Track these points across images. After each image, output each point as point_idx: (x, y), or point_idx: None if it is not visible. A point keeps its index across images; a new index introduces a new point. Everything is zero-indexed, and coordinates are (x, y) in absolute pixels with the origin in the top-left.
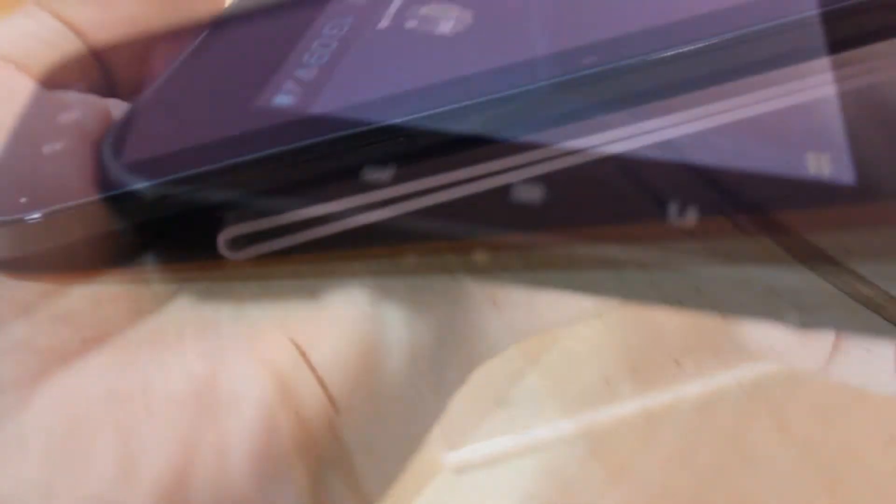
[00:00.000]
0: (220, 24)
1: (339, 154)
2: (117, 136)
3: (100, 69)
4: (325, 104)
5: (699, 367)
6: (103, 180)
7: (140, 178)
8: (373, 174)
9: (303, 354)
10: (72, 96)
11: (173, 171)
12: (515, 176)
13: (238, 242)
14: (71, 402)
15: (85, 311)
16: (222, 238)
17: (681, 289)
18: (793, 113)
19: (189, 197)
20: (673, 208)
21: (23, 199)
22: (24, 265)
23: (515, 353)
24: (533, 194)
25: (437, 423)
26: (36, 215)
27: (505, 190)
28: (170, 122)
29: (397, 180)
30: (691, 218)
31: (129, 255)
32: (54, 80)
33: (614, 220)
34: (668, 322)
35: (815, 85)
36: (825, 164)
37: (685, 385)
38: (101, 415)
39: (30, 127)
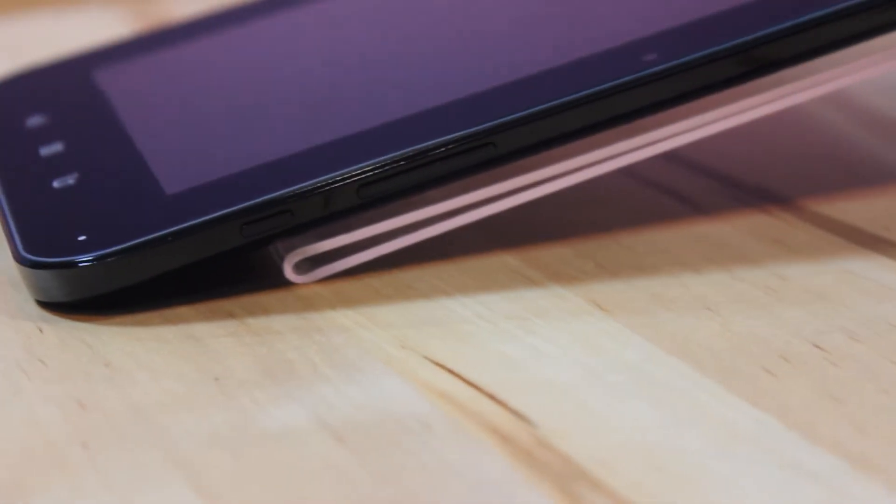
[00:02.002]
0: None
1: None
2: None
3: None
4: None
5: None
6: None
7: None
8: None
9: (451, 372)
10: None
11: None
12: (559, 185)
13: (301, 266)
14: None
15: (190, 349)
16: (288, 263)
17: (767, 277)
18: None
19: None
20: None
21: (81, 238)
22: (96, 304)
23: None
24: None
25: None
26: (87, 258)
27: None
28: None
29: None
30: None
31: (194, 291)
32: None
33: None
34: (781, 308)
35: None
36: None
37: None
38: (289, 453)
39: (13, 161)
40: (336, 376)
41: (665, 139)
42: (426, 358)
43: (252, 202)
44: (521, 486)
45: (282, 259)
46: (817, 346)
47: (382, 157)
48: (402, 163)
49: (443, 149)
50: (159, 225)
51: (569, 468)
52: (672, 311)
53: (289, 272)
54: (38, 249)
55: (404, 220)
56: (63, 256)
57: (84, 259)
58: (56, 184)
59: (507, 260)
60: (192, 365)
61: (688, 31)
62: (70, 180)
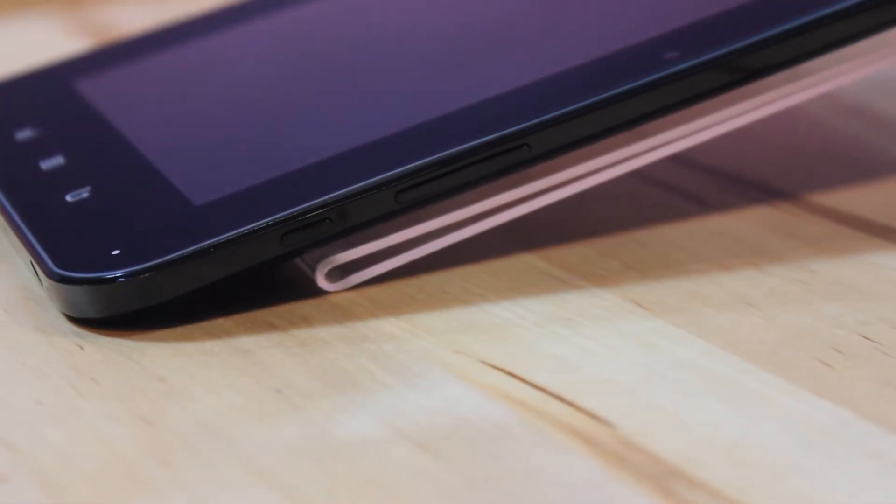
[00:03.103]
0: None
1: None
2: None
3: None
4: None
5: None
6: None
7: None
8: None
9: (512, 375)
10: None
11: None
12: (582, 185)
13: (331, 274)
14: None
15: (240, 361)
16: (320, 272)
17: (795, 270)
18: None
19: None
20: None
21: (115, 252)
22: (127, 319)
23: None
24: None
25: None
26: (125, 272)
27: None
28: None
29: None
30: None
31: (226, 302)
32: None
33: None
34: (818, 300)
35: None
36: None
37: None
38: (374, 462)
39: (15, 176)
40: (397, 384)
41: (674, 141)
42: (483, 362)
43: (293, 210)
44: (619, 486)
45: (311, 268)
46: (866, 338)
47: (421, 162)
48: (440, 167)
49: (479, 151)
50: (197, 237)
51: (660, 467)
52: (712, 307)
53: (321, 281)
54: (71, 265)
55: (431, 225)
56: (98, 272)
57: (122, 274)
58: (69, 198)
59: (531, 261)
60: (248, 377)
61: (715, 27)
62: (84, 194)
